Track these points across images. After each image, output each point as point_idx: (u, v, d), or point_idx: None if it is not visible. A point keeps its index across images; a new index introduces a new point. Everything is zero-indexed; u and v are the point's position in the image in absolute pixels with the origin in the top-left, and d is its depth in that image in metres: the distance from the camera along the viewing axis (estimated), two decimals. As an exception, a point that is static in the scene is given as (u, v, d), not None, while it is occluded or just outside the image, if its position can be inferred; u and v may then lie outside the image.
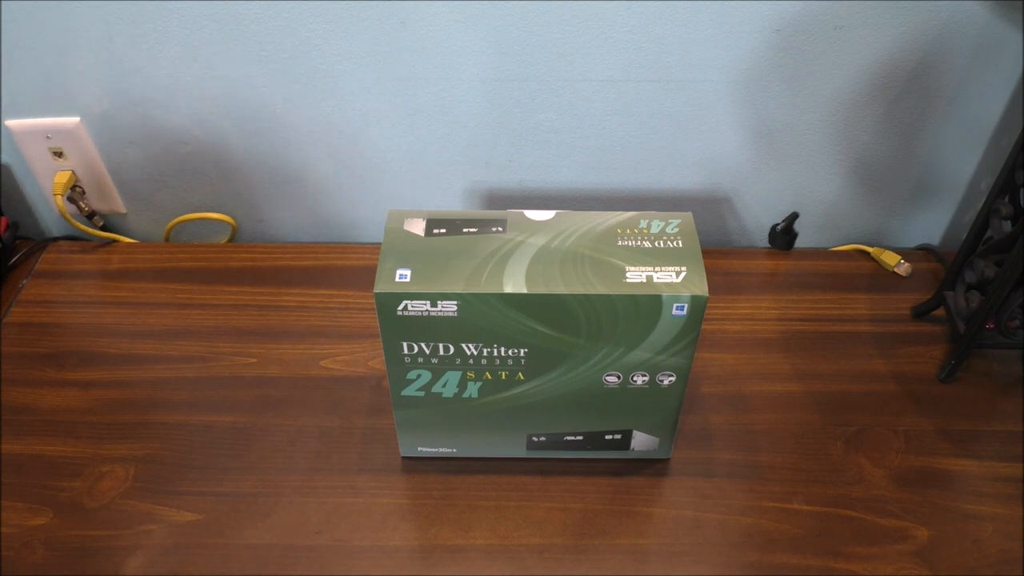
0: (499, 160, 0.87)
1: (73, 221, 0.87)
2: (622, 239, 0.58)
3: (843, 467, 0.69)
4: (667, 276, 0.55)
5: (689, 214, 0.60)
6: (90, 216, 0.89)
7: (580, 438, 0.66)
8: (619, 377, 0.60)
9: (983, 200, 0.73)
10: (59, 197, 0.85)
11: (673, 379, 0.60)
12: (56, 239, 0.91)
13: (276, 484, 0.67)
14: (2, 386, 0.74)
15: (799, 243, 0.91)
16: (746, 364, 0.77)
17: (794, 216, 0.89)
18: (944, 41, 0.76)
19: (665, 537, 0.64)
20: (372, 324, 0.80)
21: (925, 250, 0.91)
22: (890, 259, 0.88)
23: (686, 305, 0.55)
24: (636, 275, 0.55)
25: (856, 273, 0.88)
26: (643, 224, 0.59)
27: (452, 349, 0.58)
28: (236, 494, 0.66)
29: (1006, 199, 0.71)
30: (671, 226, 0.58)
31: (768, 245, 0.92)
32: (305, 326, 0.80)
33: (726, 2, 0.74)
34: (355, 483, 0.67)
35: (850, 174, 0.88)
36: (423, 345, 0.58)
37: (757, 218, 0.92)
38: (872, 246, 0.90)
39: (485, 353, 0.59)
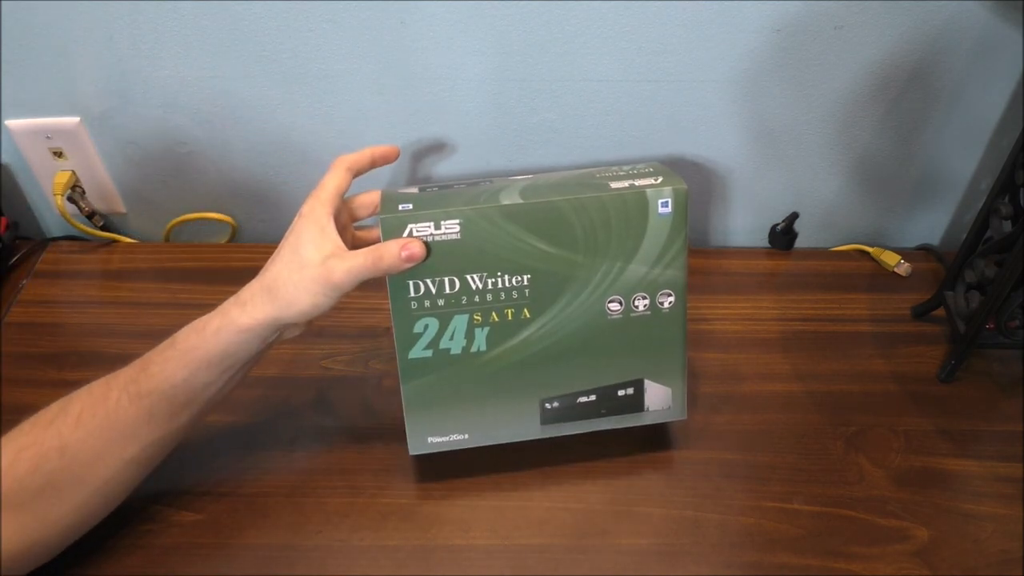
0: (499, 160, 0.87)
1: (73, 221, 0.87)
2: (600, 174, 0.64)
3: (843, 467, 0.69)
4: (647, 181, 0.62)
5: (657, 162, 0.66)
6: (90, 216, 0.89)
7: (593, 398, 0.66)
8: (621, 303, 0.63)
9: (983, 200, 0.73)
10: (59, 197, 0.85)
11: (672, 300, 0.64)
12: (56, 239, 0.91)
13: (276, 484, 0.67)
14: (2, 386, 0.74)
15: (799, 243, 0.91)
16: (746, 364, 0.77)
17: (794, 216, 0.89)
18: (944, 41, 0.76)
19: (665, 537, 0.64)
20: (372, 324, 0.80)
21: (925, 250, 0.91)
22: (890, 259, 0.88)
23: (670, 200, 0.61)
24: (619, 184, 0.62)
25: (856, 273, 0.88)
26: (615, 167, 0.66)
27: (457, 284, 0.61)
28: (236, 494, 0.66)
29: (1006, 199, 0.71)
30: (642, 164, 0.66)
31: (768, 245, 0.92)
32: (305, 326, 0.80)
33: (726, 2, 0.74)
34: (355, 483, 0.67)
35: (850, 174, 0.88)
36: (428, 282, 0.60)
37: (757, 218, 0.92)
38: (872, 246, 0.90)
39: (490, 285, 0.61)
